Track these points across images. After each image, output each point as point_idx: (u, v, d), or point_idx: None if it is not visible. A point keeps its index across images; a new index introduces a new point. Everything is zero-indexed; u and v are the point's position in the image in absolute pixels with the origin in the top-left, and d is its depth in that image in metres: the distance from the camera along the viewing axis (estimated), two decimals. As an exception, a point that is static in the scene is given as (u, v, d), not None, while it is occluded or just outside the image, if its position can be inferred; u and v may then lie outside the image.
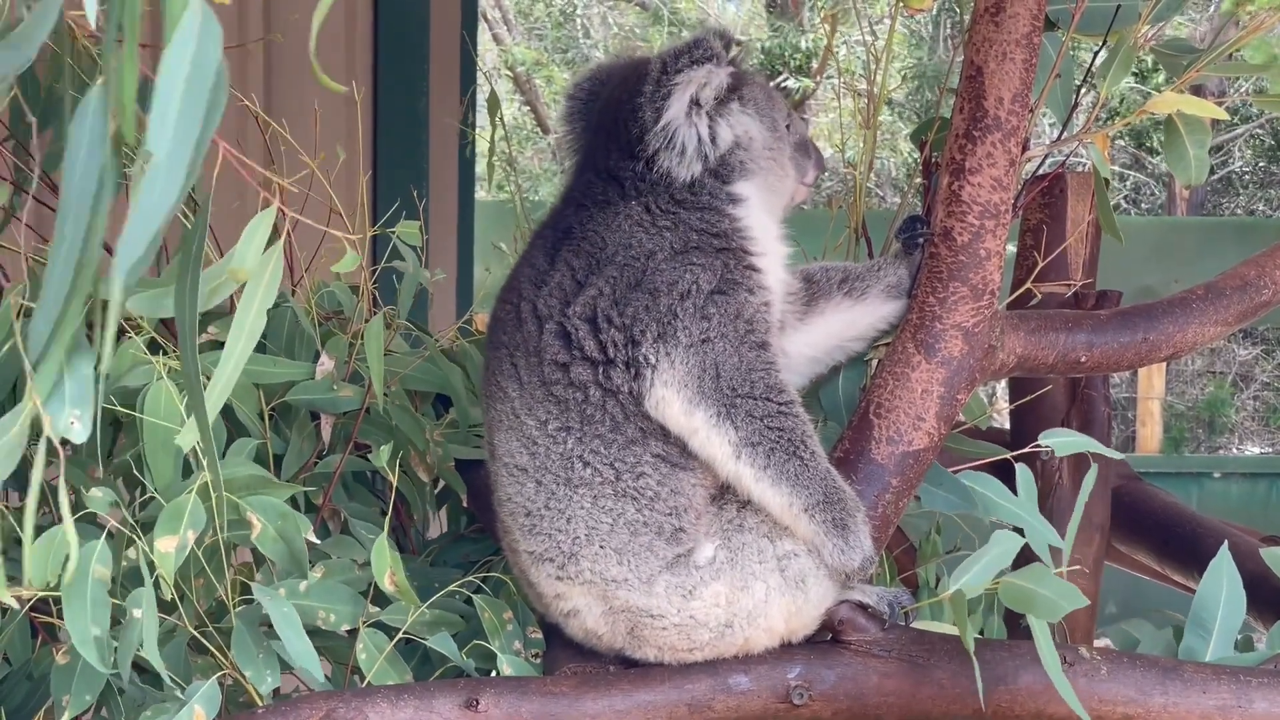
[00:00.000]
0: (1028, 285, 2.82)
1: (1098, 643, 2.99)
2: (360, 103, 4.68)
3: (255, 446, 2.36)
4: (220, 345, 2.47)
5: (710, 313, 2.07)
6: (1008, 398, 3.23)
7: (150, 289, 1.92)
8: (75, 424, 1.46)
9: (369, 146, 4.95)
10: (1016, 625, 3.09)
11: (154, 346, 2.37)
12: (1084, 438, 2.43)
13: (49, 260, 1.42)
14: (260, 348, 2.55)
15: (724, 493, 2.12)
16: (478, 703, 2.01)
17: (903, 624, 2.18)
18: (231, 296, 2.48)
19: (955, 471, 2.37)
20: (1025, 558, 2.85)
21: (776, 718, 2.13)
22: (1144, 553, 3.18)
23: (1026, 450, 2.39)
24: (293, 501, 2.47)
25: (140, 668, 2.21)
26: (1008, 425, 3.20)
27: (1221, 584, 2.36)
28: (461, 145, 3.85)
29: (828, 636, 2.15)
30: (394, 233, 2.64)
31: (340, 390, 2.41)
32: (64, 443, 1.50)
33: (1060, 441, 2.39)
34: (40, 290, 1.45)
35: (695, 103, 2.14)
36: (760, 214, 2.20)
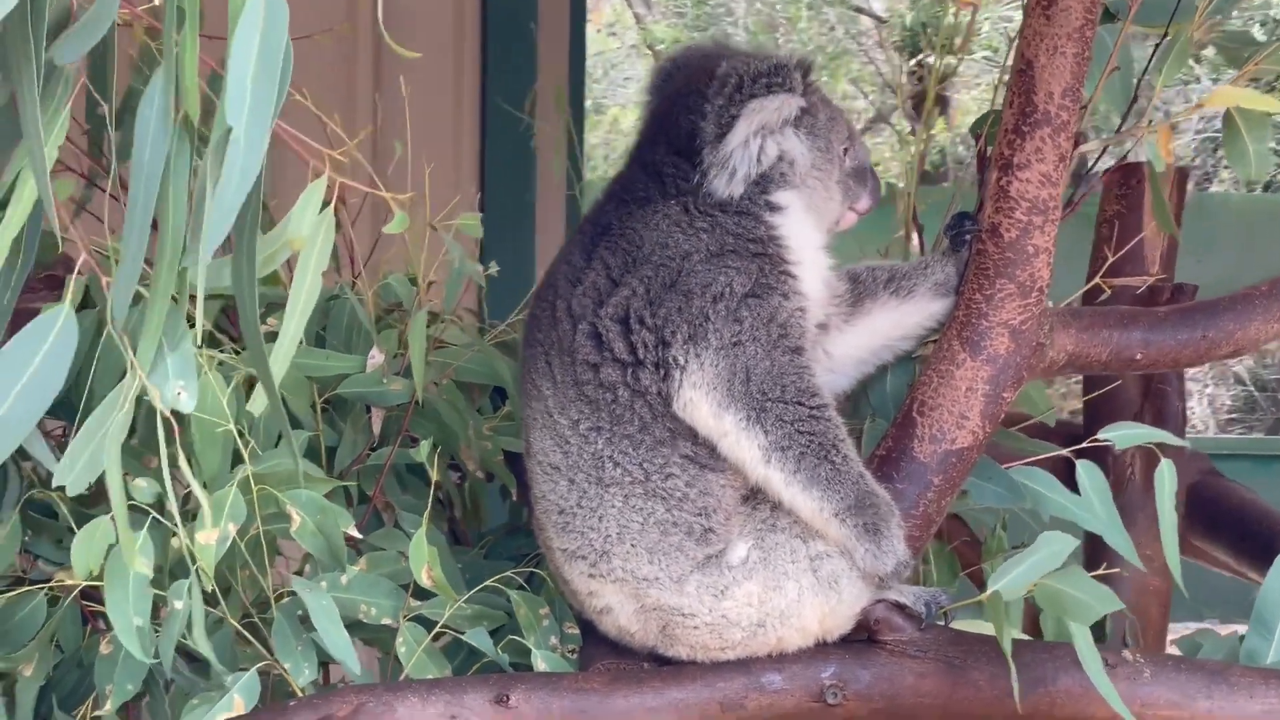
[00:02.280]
0: (1096, 280, 2.78)
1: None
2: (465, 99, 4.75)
3: (307, 439, 2.39)
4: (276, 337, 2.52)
5: (743, 316, 2.06)
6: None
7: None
8: (182, 394, 1.50)
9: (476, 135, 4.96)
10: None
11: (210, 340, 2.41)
12: (1148, 429, 2.39)
13: (123, 237, 1.47)
14: (319, 341, 2.59)
15: (756, 493, 2.11)
16: (508, 698, 2.03)
17: (941, 624, 2.16)
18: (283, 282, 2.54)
19: (1009, 467, 2.35)
20: (1094, 557, 2.82)
21: (810, 717, 2.13)
22: (1220, 549, 3.13)
23: (1085, 445, 2.36)
24: (345, 494, 2.51)
25: (191, 658, 2.24)
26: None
27: (1287, 583, 2.32)
28: (527, 136, 3.86)
29: (864, 636, 2.14)
30: (454, 225, 2.65)
31: (390, 383, 2.43)
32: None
33: (1122, 435, 2.36)
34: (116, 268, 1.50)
35: (762, 126, 2.13)
36: (799, 223, 2.18)
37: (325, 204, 1.75)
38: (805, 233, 2.18)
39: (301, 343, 2.45)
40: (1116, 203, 3.08)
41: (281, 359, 1.67)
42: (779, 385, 2.05)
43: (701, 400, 2.04)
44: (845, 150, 2.25)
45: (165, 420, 1.70)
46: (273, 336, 2.46)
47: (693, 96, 2.14)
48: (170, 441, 2.31)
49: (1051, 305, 2.30)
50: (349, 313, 2.58)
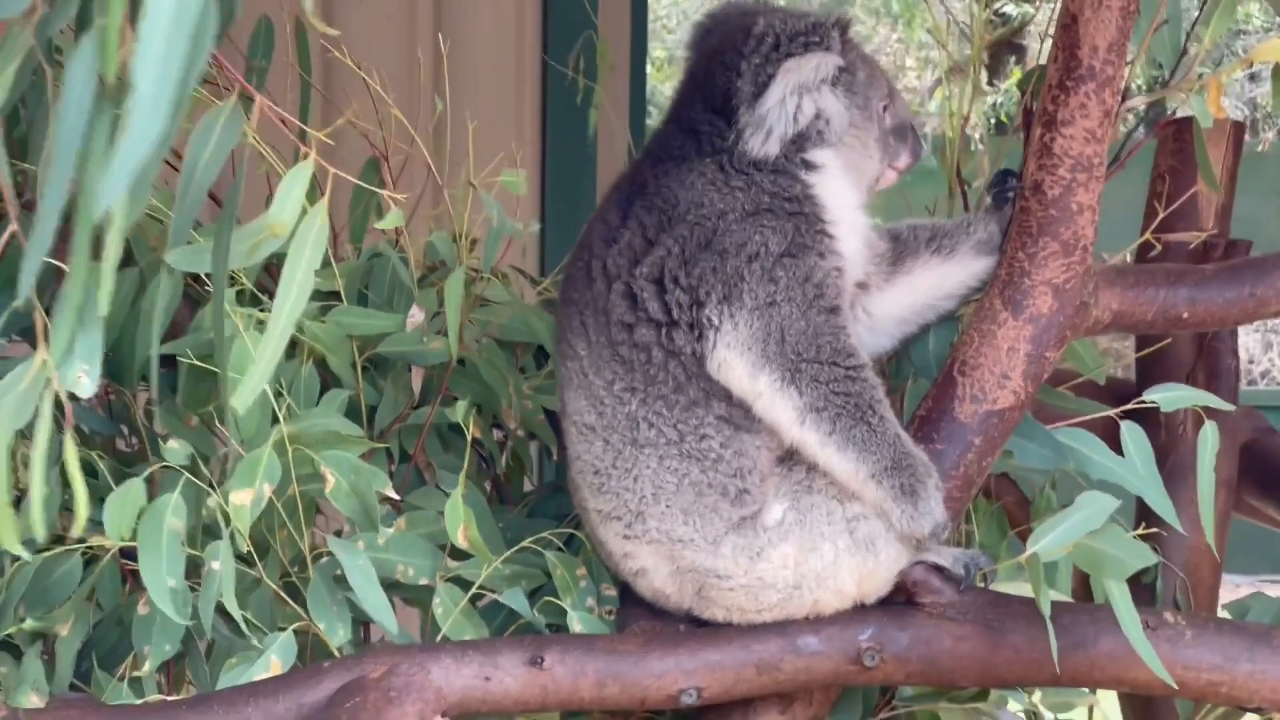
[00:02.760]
0: (1146, 235, 2.74)
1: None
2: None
3: (347, 398, 2.38)
4: (319, 295, 2.52)
5: (778, 275, 2.04)
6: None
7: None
8: (83, 378, 1.47)
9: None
10: (1137, 583, 3.03)
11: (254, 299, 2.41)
12: (1194, 391, 2.35)
13: (39, 201, 1.43)
14: (361, 299, 2.58)
15: (792, 454, 2.09)
16: (543, 660, 2.02)
17: (980, 586, 2.14)
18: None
19: (1055, 427, 2.32)
20: (1148, 516, 2.78)
21: (847, 680, 2.11)
22: (1274, 508, 3.09)
23: (1130, 406, 2.33)
24: (386, 454, 2.51)
25: (231, 618, 2.25)
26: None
27: (1336, 546, 2.29)
28: (574, 96, 3.84)
29: (902, 599, 2.12)
30: (496, 181, 2.64)
31: (430, 342, 2.42)
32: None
33: (1167, 396, 2.32)
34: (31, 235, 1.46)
35: (799, 85, 2.11)
36: (836, 182, 2.15)
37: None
38: (842, 191, 2.15)
39: (341, 300, 2.46)
40: (1171, 157, 3.03)
41: (266, 362, 1.64)
42: (814, 345, 2.03)
43: (736, 361, 2.03)
44: (885, 108, 2.22)
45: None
46: (317, 295, 2.49)
47: (729, 54, 2.12)
48: (206, 401, 2.33)
49: (1099, 262, 2.27)
50: (391, 271, 2.57)
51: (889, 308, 2.28)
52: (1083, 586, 2.95)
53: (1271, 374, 12.98)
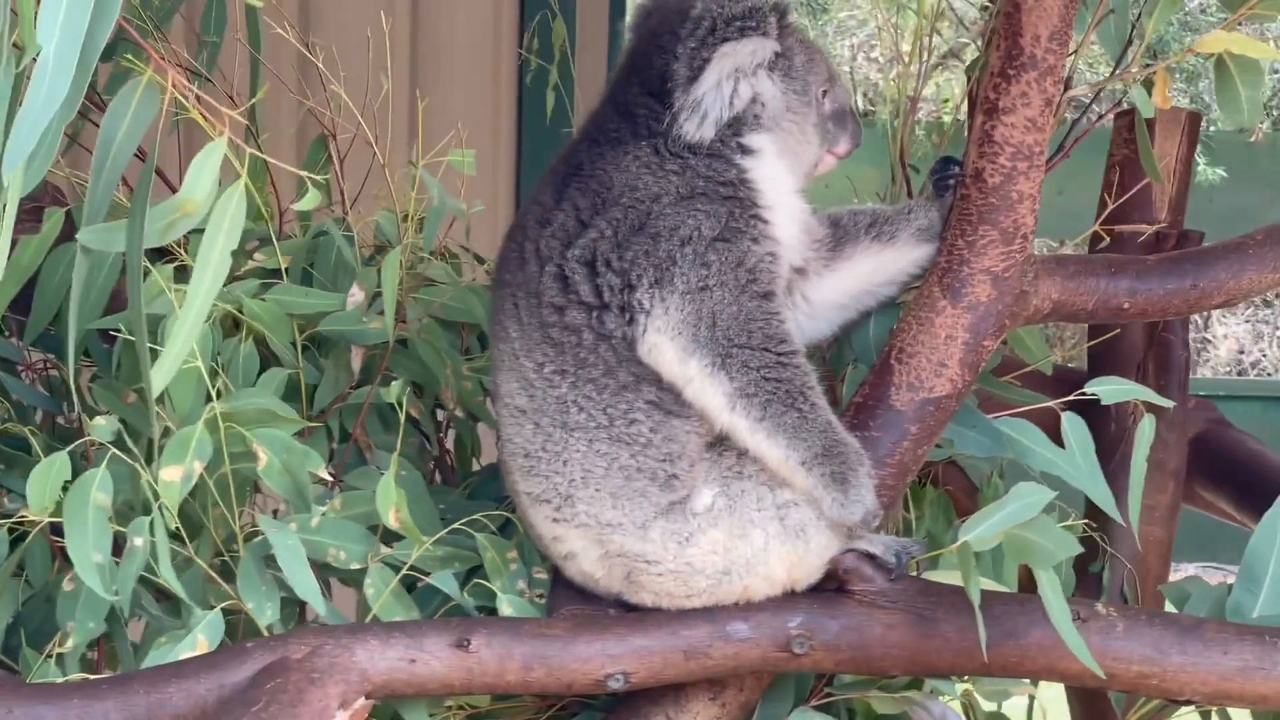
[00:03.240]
0: (1095, 227, 2.74)
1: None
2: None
3: (286, 377, 2.37)
4: (266, 275, 2.51)
5: (710, 260, 2.03)
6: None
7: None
8: None
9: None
10: (1085, 573, 3.03)
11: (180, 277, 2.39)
12: (1133, 385, 2.35)
13: None
14: (306, 278, 2.57)
15: (723, 440, 2.08)
16: (469, 643, 2.01)
17: (912, 575, 2.13)
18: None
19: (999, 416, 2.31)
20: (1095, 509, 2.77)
21: (776, 666, 2.11)
22: (1223, 500, 3.10)
23: (1072, 398, 2.32)
24: (327, 433, 2.50)
25: (164, 596, 2.24)
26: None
27: (1276, 537, 2.28)
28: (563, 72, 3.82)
29: (834, 586, 2.11)
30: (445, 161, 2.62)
31: (370, 321, 2.41)
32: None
33: (1109, 390, 2.31)
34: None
35: (734, 69, 2.09)
36: (773, 166, 2.14)
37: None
38: (778, 176, 2.14)
39: (284, 279, 2.45)
40: (1125, 148, 3.03)
41: (183, 339, 1.62)
42: (745, 331, 2.02)
43: (666, 345, 2.02)
44: (824, 93, 2.21)
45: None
46: (262, 274, 2.48)
47: (666, 37, 2.10)
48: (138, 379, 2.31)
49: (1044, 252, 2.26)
50: (336, 250, 2.56)
51: (828, 294, 2.27)
52: (1030, 577, 2.96)
53: (1262, 364, 12.97)
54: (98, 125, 2.37)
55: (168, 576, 2.03)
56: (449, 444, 2.71)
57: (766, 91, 2.12)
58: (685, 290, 2.01)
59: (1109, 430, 3.00)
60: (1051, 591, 1.99)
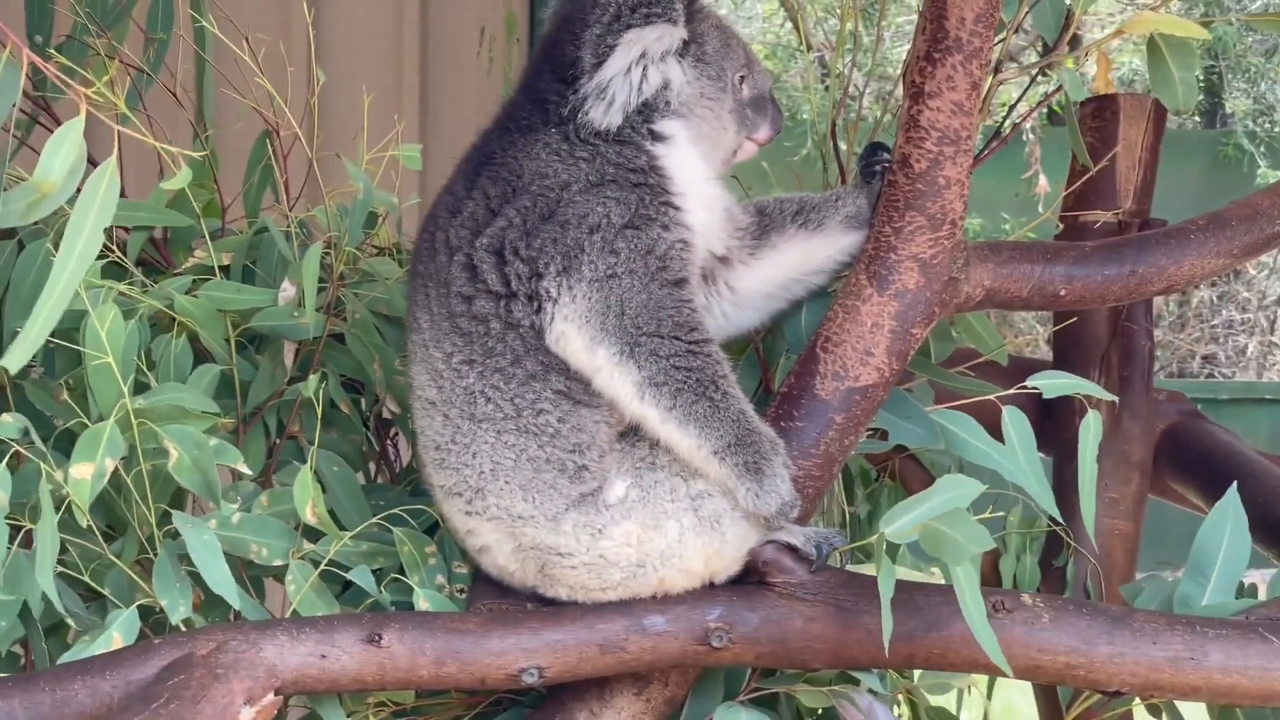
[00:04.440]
0: (1046, 215, 2.70)
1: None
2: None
3: (218, 373, 2.35)
4: (206, 271, 2.49)
5: (619, 247, 2.00)
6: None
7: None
8: None
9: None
10: (1049, 567, 2.98)
11: (116, 274, 2.38)
12: (1075, 380, 2.31)
13: None
14: (247, 274, 2.55)
15: (635, 430, 2.05)
16: (381, 638, 1.99)
17: (834, 566, 2.10)
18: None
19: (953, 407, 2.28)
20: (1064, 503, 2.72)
21: (695, 660, 2.07)
22: (1191, 492, 3.04)
23: (1013, 391, 2.28)
24: (264, 429, 2.48)
25: (96, 596, 2.23)
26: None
27: (1225, 527, 2.24)
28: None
29: (753, 579, 2.08)
30: (393, 154, 2.61)
31: (300, 316, 2.39)
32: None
33: (1049, 384, 2.27)
34: None
35: (640, 56, 2.07)
36: (686, 153, 2.12)
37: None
38: (691, 163, 2.11)
39: (216, 275, 2.43)
40: (1090, 135, 2.99)
41: (40, 324, 1.60)
42: (655, 319, 1.99)
43: (574, 334, 1.99)
44: (741, 79, 2.18)
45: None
46: (201, 270, 2.46)
47: (576, 24, 2.08)
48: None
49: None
50: (273, 245, 2.54)
51: (754, 283, 2.24)
52: (993, 570, 2.92)
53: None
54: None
55: (45, 580, 1.97)
56: (396, 441, 2.69)
57: (676, 78, 2.10)
58: (593, 278, 1.98)
59: (1073, 423, 2.95)
60: (966, 583, 1.95)
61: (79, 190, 1.66)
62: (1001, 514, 2.81)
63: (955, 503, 2.00)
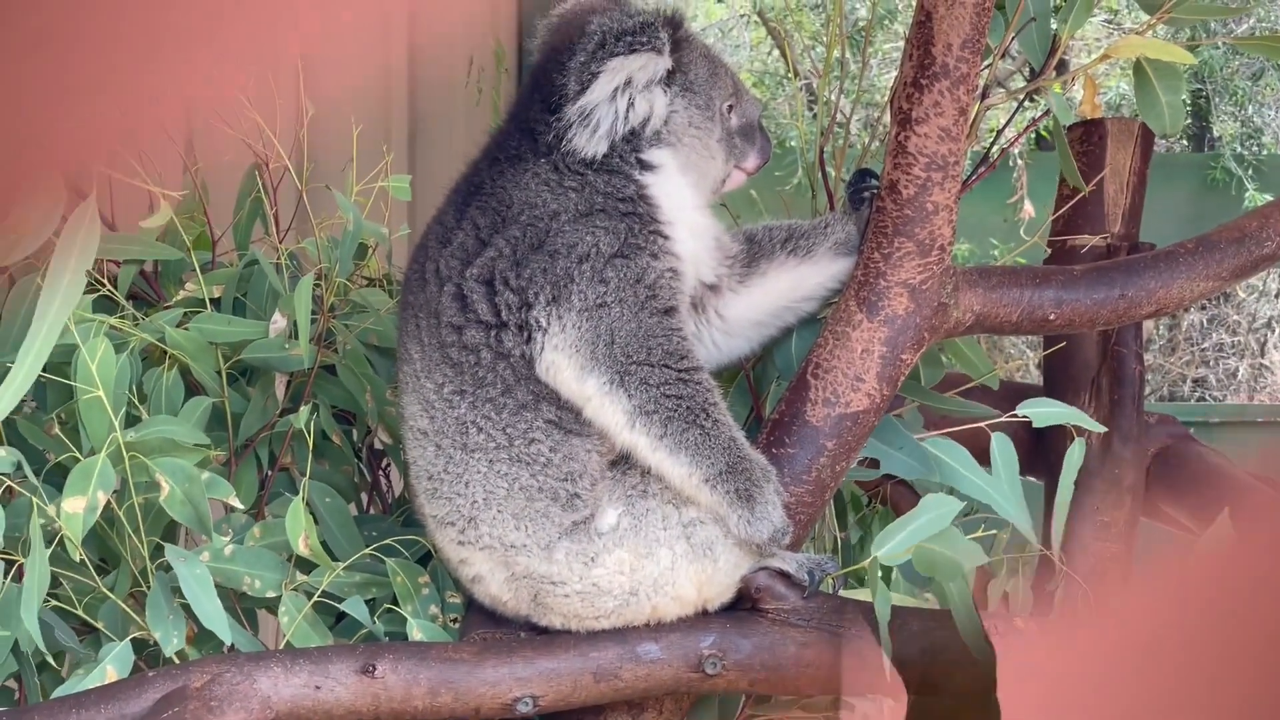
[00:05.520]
0: (1033, 240, 2.70)
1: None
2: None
3: (210, 406, 2.35)
4: (197, 304, 2.49)
5: (609, 276, 2.00)
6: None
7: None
8: None
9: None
10: (1042, 590, 2.99)
11: (107, 307, 2.38)
12: (1065, 408, 2.32)
13: None
14: (239, 307, 2.55)
15: (626, 458, 2.06)
16: (375, 668, 1.99)
17: (826, 592, 2.10)
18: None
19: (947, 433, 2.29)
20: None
21: (689, 687, 2.08)
22: (1184, 515, 3.04)
23: (1004, 419, 2.30)
24: (256, 461, 2.48)
25: (90, 630, 2.23)
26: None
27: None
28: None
29: (746, 605, 2.08)
30: (382, 185, 2.61)
31: (291, 349, 2.39)
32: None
33: (1039, 412, 2.29)
34: None
35: (625, 84, 2.08)
36: (673, 182, 2.12)
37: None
38: (680, 192, 2.12)
39: (207, 308, 2.43)
40: (1078, 160, 2.99)
41: (27, 369, 1.60)
42: (644, 348, 1.99)
43: (564, 363, 1.99)
44: (729, 107, 2.19)
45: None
46: (192, 303, 2.46)
47: (563, 54, 2.09)
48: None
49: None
50: (267, 278, 2.54)
51: (744, 310, 2.24)
52: (984, 596, 2.92)
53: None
54: None
55: (30, 616, 1.97)
56: (389, 472, 2.69)
57: (661, 107, 2.10)
58: (583, 307, 1.99)
59: (1065, 446, 2.96)
60: (960, 602, 1.96)
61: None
62: (994, 532, 2.81)
63: (939, 522, 2.02)
